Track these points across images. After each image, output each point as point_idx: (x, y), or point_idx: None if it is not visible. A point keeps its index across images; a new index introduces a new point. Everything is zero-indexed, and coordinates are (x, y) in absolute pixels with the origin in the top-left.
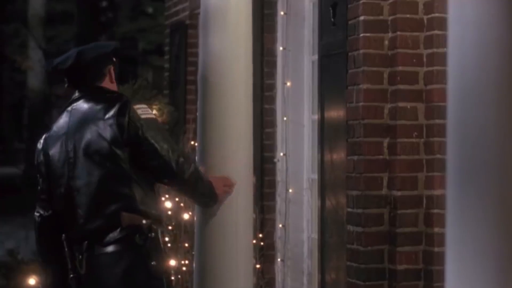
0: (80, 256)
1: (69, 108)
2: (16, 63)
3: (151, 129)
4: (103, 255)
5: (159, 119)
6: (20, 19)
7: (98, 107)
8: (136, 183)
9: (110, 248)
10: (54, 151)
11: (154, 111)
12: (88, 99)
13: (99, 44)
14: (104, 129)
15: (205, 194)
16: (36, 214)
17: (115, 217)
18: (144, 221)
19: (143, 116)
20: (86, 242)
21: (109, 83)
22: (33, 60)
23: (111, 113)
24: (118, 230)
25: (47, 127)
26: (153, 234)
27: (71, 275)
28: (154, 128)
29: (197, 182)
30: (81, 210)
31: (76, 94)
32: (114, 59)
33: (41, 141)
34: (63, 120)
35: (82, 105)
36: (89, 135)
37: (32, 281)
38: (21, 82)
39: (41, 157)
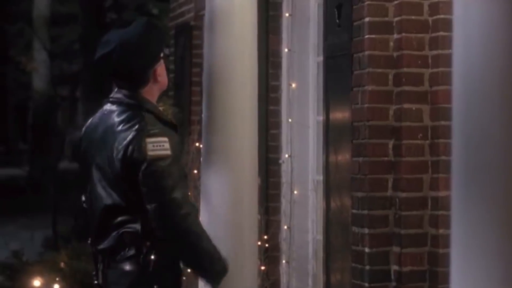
0: (98, 267)
1: (105, 108)
2: (20, 64)
3: (153, 173)
4: (113, 271)
5: None
6: (25, 20)
7: (118, 129)
8: (142, 212)
9: (121, 266)
10: (85, 150)
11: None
12: (118, 111)
13: (144, 36)
14: (114, 157)
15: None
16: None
17: (120, 238)
18: (148, 243)
19: (150, 153)
20: (100, 256)
21: (152, 86)
22: (38, 61)
23: (123, 143)
24: (127, 249)
25: (51, 129)
26: (155, 257)
27: (95, 281)
28: (159, 170)
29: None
30: (92, 226)
31: (115, 90)
32: (162, 54)
33: (82, 132)
34: (96, 120)
35: (111, 115)
36: (100, 158)
37: (36, 282)
38: (26, 83)
39: (81, 148)
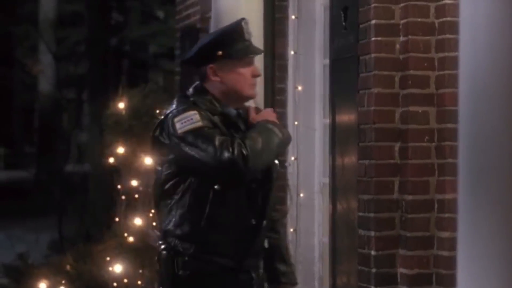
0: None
1: None
2: (26, 66)
3: (188, 144)
4: None
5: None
6: (31, 22)
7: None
8: (165, 207)
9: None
10: None
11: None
12: None
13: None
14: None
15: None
16: None
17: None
18: (160, 244)
19: (180, 131)
20: None
21: (214, 84)
22: (44, 63)
23: (156, 131)
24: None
25: (57, 131)
26: (164, 259)
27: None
28: (192, 141)
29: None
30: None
31: None
32: (218, 52)
33: None
34: None
35: None
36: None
37: (42, 285)
38: (32, 85)
39: None
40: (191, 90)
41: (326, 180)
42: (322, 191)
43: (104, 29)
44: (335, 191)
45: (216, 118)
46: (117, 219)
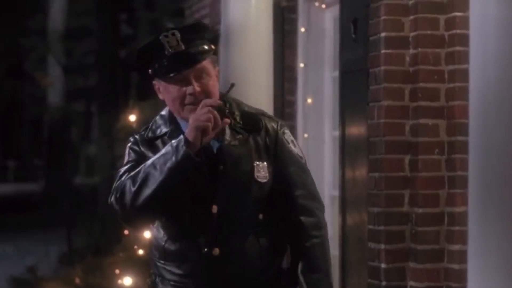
0: None
1: None
2: (35, 79)
3: None
4: None
5: None
6: (40, 34)
7: None
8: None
9: None
10: None
11: None
12: None
13: None
14: None
15: None
16: None
17: None
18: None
19: None
20: None
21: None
22: (52, 76)
23: None
24: None
25: (66, 144)
26: (151, 277)
27: None
28: None
29: None
30: None
31: None
32: (149, 70)
33: None
34: None
35: None
36: None
37: None
38: (40, 98)
39: None
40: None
41: (336, 193)
42: (332, 204)
43: (113, 41)
44: (345, 203)
45: (155, 143)
46: (126, 232)
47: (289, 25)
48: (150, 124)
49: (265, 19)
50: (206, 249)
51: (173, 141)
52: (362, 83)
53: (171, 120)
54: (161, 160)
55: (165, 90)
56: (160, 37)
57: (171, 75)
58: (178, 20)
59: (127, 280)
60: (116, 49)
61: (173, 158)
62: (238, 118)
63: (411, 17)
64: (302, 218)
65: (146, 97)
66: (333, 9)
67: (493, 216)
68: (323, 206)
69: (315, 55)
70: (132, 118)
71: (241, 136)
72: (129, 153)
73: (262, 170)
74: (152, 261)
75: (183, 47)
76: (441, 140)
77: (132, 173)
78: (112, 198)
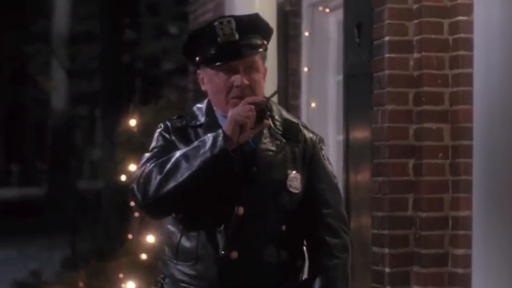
0: None
1: None
2: (39, 83)
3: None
4: None
5: None
6: (44, 39)
7: None
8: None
9: None
10: None
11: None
12: None
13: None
14: None
15: None
16: None
17: None
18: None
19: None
20: None
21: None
22: (56, 80)
23: None
24: None
25: (69, 148)
26: (159, 281)
27: None
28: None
29: None
30: None
31: None
32: (196, 58)
33: None
34: None
35: None
36: None
37: None
38: (44, 102)
39: None
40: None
41: None
42: None
43: (116, 45)
44: (349, 207)
45: (188, 132)
46: (130, 236)
47: (293, 29)
48: (186, 114)
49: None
50: (223, 251)
51: (209, 134)
52: (366, 87)
53: (208, 112)
54: (194, 151)
55: (210, 80)
56: (215, 23)
57: (219, 63)
58: (182, 24)
59: (131, 285)
60: (120, 53)
61: (208, 152)
62: (278, 124)
63: (415, 21)
64: (327, 237)
65: (149, 101)
66: (337, 13)
67: (497, 220)
68: (349, 229)
69: (319, 59)
70: (133, 122)
71: (278, 142)
72: (158, 139)
73: (295, 181)
74: (163, 261)
75: (236, 36)
76: (445, 144)
77: (160, 161)
78: (134, 184)
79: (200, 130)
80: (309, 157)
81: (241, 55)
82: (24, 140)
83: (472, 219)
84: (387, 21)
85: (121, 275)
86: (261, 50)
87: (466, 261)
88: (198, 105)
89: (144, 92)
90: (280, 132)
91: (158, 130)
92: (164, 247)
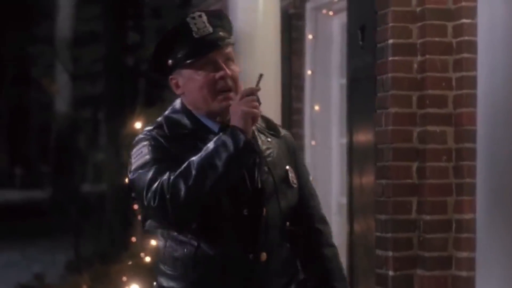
0: None
1: None
2: (42, 86)
3: (136, 181)
4: None
5: None
6: (47, 41)
7: None
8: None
9: None
10: None
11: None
12: None
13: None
14: None
15: None
16: None
17: None
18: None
19: (133, 167)
20: None
21: (183, 98)
22: (60, 83)
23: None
24: None
25: (73, 151)
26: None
27: None
28: (138, 178)
29: None
30: None
31: None
32: (168, 62)
33: None
34: None
35: None
36: None
37: None
38: (48, 105)
39: None
40: (170, 107)
41: (344, 200)
42: (339, 211)
43: (120, 48)
44: (353, 211)
45: (185, 142)
46: (134, 239)
47: (296, 32)
48: (161, 121)
49: (273, 26)
50: (252, 255)
51: (221, 134)
52: (369, 90)
53: (190, 117)
54: (215, 153)
55: (189, 80)
56: (188, 19)
57: (199, 57)
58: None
59: None
60: (123, 56)
61: (233, 149)
62: (260, 120)
63: (419, 24)
64: (321, 227)
65: (152, 104)
66: (341, 16)
67: (501, 223)
68: None
69: (323, 62)
70: (138, 125)
71: (269, 139)
72: (151, 151)
73: (292, 175)
74: (167, 277)
75: (210, 29)
76: (449, 147)
77: (179, 171)
78: (157, 201)
79: (195, 136)
80: (292, 151)
81: (219, 45)
82: (27, 143)
83: (476, 222)
84: (390, 24)
85: (124, 278)
86: (233, 42)
87: (470, 264)
88: (176, 107)
89: (147, 94)
90: (264, 128)
91: (144, 143)
92: (165, 262)
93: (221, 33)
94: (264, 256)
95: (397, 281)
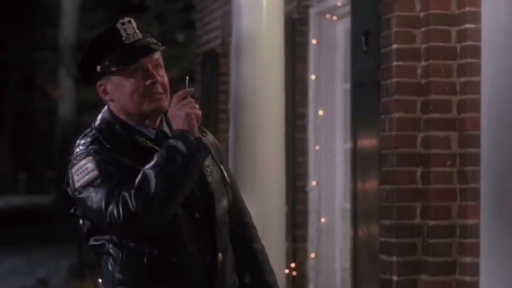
0: None
1: None
2: (46, 91)
3: (85, 199)
4: None
5: None
6: (51, 47)
7: None
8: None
9: None
10: None
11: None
12: None
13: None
14: None
15: None
16: None
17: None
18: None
19: (77, 185)
20: None
21: (111, 105)
22: (64, 88)
23: (64, 183)
24: None
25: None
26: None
27: None
28: (87, 195)
29: None
30: None
31: None
32: (97, 67)
33: None
34: None
35: None
36: None
37: None
38: (52, 110)
39: None
40: (99, 117)
41: (348, 205)
42: (343, 216)
43: None
44: (357, 216)
45: (127, 151)
46: None
47: (300, 37)
48: (95, 134)
49: (277, 31)
50: (209, 256)
51: (169, 139)
52: (373, 95)
53: (123, 126)
54: (169, 158)
55: (118, 86)
56: (117, 25)
57: (129, 63)
58: (190, 32)
59: None
60: None
61: (186, 151)
62: None
63: (423, 29)
64: (248, 220)
65: None
66: (345, 21)
67: (505, 228)
68: None
69: (327, 67)
70: None
71: (200, 137)
72: (97, 165)
73: (225, 173)
74: None
75: (140, 35)
76: (453, 152)
77: (138, 182)
78: (122, 215)
79: (137, 143)
80: (217, 149)
81: (150, 50)
82: (31, 148)
83: (480, 227)
84: (394, 29)
85: None
86: (161, 48)
87: (474, 269)
88: (104, 127)
89: None
90: None
91: (88, 158)
92: (123, 272)
93: (150, 39)
94: (220, 256)
95: (401, 286)
